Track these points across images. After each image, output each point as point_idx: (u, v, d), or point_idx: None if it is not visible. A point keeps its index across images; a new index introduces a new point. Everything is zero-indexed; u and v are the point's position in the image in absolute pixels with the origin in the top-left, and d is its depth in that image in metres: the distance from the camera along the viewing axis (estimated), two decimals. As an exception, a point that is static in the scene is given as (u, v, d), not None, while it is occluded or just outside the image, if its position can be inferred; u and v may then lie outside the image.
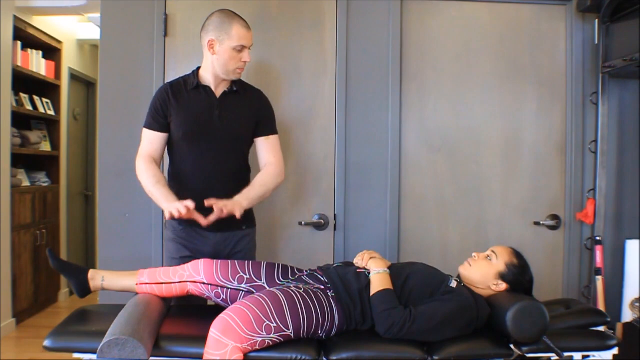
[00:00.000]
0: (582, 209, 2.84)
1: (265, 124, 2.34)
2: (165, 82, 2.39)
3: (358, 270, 2.03)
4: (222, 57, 2.21)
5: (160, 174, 2.22)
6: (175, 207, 2.01)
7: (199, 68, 2.31)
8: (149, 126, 2.27)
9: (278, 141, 2.38)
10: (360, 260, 2.08)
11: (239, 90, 2.31)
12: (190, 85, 2.27)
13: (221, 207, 2.07)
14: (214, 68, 2.24)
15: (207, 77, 2.28)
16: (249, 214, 2.37)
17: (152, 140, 2.27)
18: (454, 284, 1.97)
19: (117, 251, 2.70)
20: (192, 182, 2.26)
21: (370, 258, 2.06)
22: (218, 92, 2.28)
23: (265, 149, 2.34)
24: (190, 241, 2.28)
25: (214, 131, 2.23)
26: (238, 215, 2.11)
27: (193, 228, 2.26)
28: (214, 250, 2.27)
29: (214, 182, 2.23)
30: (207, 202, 2.07)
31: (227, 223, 2.24)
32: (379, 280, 1.96)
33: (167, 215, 2.05)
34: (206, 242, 2.27)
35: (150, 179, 2.18)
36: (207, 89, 2.27)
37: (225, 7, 2.28)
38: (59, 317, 4.25)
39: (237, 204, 2.13)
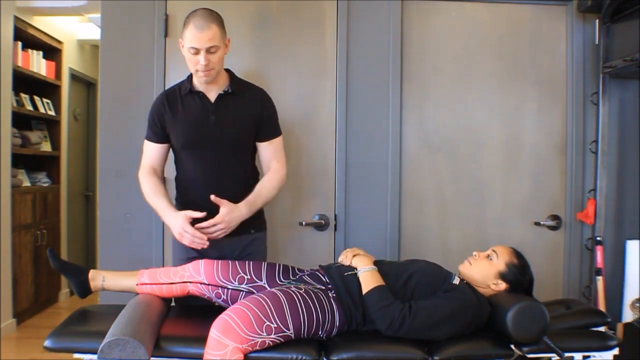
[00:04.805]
0: (582, 209, 2.83)
1: (268, 126, 2.27)
2: (163, 90, 2.32)
3: (345, 274, 1.99)
4: (186, 58, 2.13)
5: (160, 185, 2.22)
6: (180, 232, 2.08)
7: None
8: (148, 138, 2.27)
9: (282, 142, 2.31)
10: (344, 258, 2.07)
11: (236, 91, 2.22)
12: (184, 91, 2.22)
13: (222, 216, 2.09)
14: None
15: (196, 81, 2.21)
16: (258, 217, 2.31)
17: (151, 152, 2.26)
18: (456, 281, 1.97)
19: (118, 251, 2.70)
20: (197, 191, 2.20)
21: (354, 255, 2.05)
22: (212, 96, 2.21)
23: (269, 152, 2.28)
24: None
25: (212, 137, 2.18)
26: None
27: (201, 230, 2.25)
28: (221, 254, 2.22)
29: (219, 189, 2.14)
30: (212, 197, 2.07)
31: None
32: (368, 278, 1.94)
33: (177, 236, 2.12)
34: (214, 244, 2.20)
35: (150, 191, 2.20)
36: (200, 93, 2.20)
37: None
38: (60, 317, 4.24)
39: (235, 217, 2.12)
